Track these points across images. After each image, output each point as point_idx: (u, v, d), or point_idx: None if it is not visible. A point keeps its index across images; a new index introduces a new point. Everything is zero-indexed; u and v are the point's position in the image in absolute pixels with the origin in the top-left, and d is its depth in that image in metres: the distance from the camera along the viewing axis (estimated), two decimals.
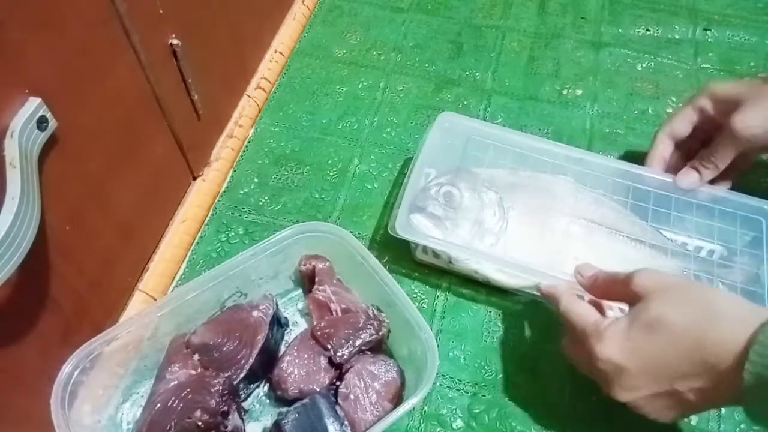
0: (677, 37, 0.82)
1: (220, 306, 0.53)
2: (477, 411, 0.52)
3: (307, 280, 0.56)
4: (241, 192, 0.66)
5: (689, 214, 0.58)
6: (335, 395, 0.48)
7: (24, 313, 0.42)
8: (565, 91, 0.76)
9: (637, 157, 0.66)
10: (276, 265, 0.55)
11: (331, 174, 0.67)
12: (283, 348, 0.53)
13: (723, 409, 0.52)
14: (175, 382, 0.48)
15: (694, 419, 0.52)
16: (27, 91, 0.37)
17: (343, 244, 0.53)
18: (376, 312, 0.52)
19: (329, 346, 0.50)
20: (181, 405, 0.46)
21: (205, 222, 0.63)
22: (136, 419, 0.48)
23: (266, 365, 0.51)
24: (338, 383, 0.49)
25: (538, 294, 0.52)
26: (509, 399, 0.53)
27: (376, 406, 0.47)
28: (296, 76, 0.77)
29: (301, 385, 0.49)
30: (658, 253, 0.57)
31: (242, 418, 0.48)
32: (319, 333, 0.51)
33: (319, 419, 0.46)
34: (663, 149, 0.60)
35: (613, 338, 0.43)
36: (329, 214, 0.64)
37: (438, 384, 0.53)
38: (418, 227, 0.55)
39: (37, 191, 0.37)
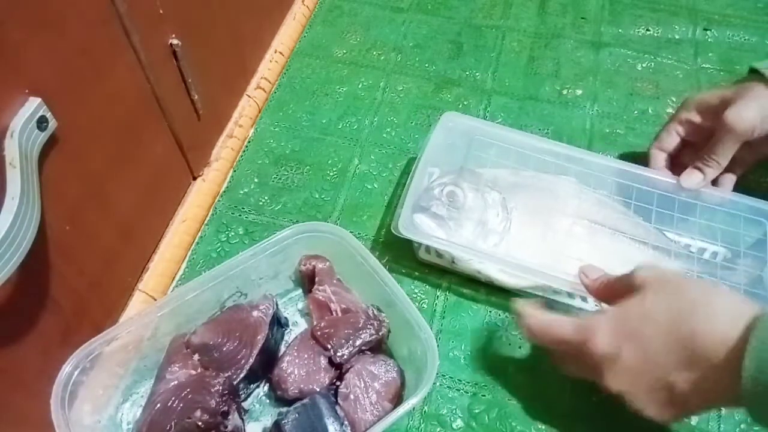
0: (677, 37, 0.82)
1: (220, 306, 0.53)
2: (477, 411, 0.52)
3: (307, 280, 0.56)
4: (241, 192, 0.66)
5: (693, 215, 0.58)
6: (335, 395, 0.48)
7: (24, 313, 0.42)
8: (565, 91, 0.76)
9: (637, 158, 0.66)
10: (276, 265, 0.55)
11: (331, 174, 0.67)
12: (283, 348, 0.53)
13: (723, 409, 0.52)
14: (175, 382, 0.48)
15: (694, 419, 0.52)
16: (27, 91, 0.37)
17: (343, 244, 0.53)
18: (376, 312, 0.52)
19: (329, 346, 0.50)
20: (181, 405, 0.46)
21: (205, 222, 0.63)
22: (136, 419, 0.48)
23: (266, 365, 0.51)
24: (338, 383, 0.49)
25: (541, 295, 0.52)
26: (509, 399, 0.53)
27: (376, 406, 0.47)
28: (296, 76, 0.77)
29: (301, 385, 0.49)
30: (661, 254, 0.57)
31: (242, 418, 0.48)
32: (319, 333, 0.51)
33: (319, 419, 0.46)
34: (660, 160, 0.62)
35: (607, 326, 0.43)
36: (329, 214, 0.64)
37: (438, 384, 0.53)
38: (421, 227, 0.55)
39: (37, 191, 0.37)
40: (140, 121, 0.52)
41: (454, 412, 0.52)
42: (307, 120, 0.72)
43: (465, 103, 0.74)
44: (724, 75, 0.77)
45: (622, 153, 0.70)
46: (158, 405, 0.46)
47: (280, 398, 0.50)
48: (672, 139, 0.61)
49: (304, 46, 0.80)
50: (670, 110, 0.74)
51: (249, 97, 0.72)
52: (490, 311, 0.58)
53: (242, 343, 0.49)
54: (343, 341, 0.50)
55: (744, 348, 0.37)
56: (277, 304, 0.53)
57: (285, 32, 0.79)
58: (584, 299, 0.56)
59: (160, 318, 0.49)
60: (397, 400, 0.49)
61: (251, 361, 0.49)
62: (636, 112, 0.74)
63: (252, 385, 0.51)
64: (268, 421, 0.50)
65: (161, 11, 0.51)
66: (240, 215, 0.64)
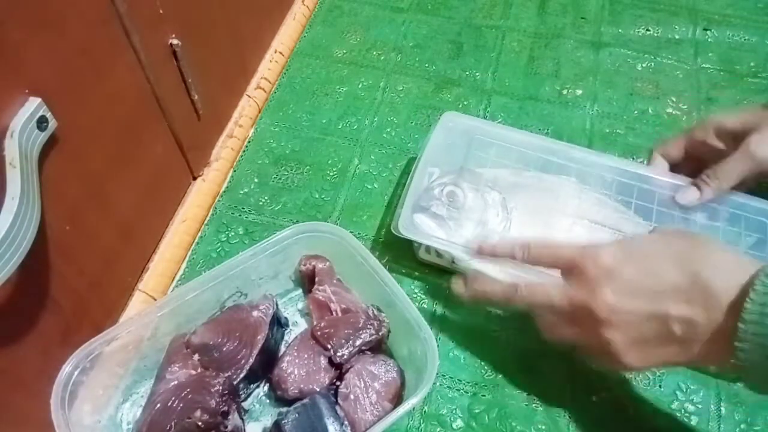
0: (677, 37, 0.82)
1: (220, 306, 0.53)
2: (477, 411, 0.52)
3: (307, 280, 0.56)
4: (241, 192, 0.66)
5: (693, 215, 0.58)
6: (335, 395, 0.48)
7: (24, 313, 0.42)
8: (565, 91, 0.76)
9: (638, 158, 0.66)
10: (276, 265, 0.55)
11: (331, 174, 0.67)
12: (283, 348, 0.53)
13: (723, 409, 0.52)
14: (175, 382, 0.48)
15: (694, 419, 0.52)
16: (27, 91, 0.37)
17: (343, 244, 0.53)
18: (376, 312, 0.52)
19: (329, 346, 0.50)
20: (181, 405, 0.46)
21: (205, 222, 0.63)
22: (136, 419, 0.48)
23: (266, 365, 0.51)
24: (338, 383, 0.49)
25: None
26: (509, 399, 0.53)
27: (376, 406, 0.47)
28: (296, 76, 0.77)
29: (301, 385, 0.49)
30: None
31: (242, 418, 0.48)
32: (319, 333, 0.51)
33: (319, 419, 0.46)
34: (659, 162, 0.61)
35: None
36: (329, 214, 0.64)
37: (438, 384, 0.53)
38: (421, 227, 0.55)
39: (37, 191, 0.37)
40: (140, 121, 0.52)
41: (454, 412, 0.52)
42: (307, 120, 0.72)
43: (465, 103, 0.74)
44: (724, 75, 0.77)
45: (621, 153, 0.70)
46: (158, 405, 0.46)
47: (280, 398, 0.50)
48: (678, 153, 0.61)
49: (304, 46, 0.80)
50: (670, 110, 0.74)
51: (249, 97, 0.72)
52: (490, 311, 0.58)
53: (242, 343, 0.49)
54: (343, 341, 0.50)
55: (747, 291, 0.37)
56: (277, 304, 0.53)
57: (285, 32, 0.79)
58: None
59: (160, 318, 0.49)
60: (397, 400, 0.49)
61: (251, 361, 0.49)
62: (636, 112, 0.74)
63: (252, 385, 0.51)
64: (268, 421, 0.50)
65: (161, 11, 0.51)
66: (240, 215, 0.64)
